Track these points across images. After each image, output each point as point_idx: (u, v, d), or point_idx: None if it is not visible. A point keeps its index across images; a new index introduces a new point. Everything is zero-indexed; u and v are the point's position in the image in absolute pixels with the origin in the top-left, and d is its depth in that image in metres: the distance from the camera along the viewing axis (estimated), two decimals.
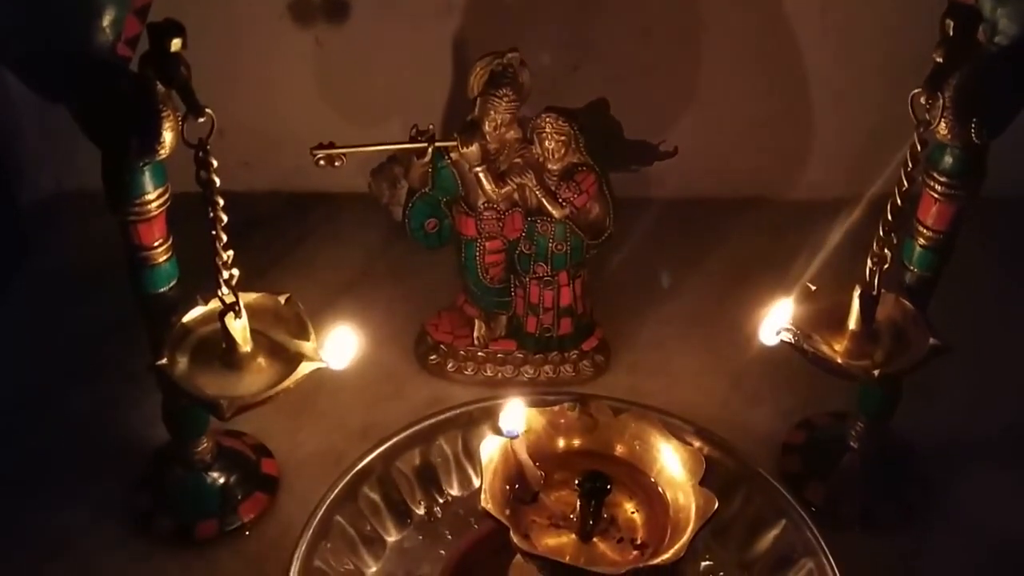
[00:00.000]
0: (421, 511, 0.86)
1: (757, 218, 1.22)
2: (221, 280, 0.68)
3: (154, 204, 0.70)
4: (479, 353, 0.99)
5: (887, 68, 1.09)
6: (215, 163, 0.64)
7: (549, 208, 0.90)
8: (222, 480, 0.85)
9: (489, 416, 0.89)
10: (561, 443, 0.79)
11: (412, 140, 0.87)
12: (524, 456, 0.75)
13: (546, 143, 0.88)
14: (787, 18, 1.13)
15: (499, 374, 0.98)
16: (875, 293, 0.72)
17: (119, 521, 0.85)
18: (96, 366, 0.99)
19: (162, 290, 0.74)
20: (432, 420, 0.90)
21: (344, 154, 0.86)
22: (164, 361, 0.71)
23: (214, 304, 0.73)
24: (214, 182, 0.64)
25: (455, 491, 0.88)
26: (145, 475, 0.87)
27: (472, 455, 0.89)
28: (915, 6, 1.02)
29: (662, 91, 1.17)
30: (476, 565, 0.83)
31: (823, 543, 0.79)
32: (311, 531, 0.79)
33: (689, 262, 1.15)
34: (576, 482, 0.73)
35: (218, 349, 0.72)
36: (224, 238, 0.67)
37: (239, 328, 0.71)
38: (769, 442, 0.93)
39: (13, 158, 1.15)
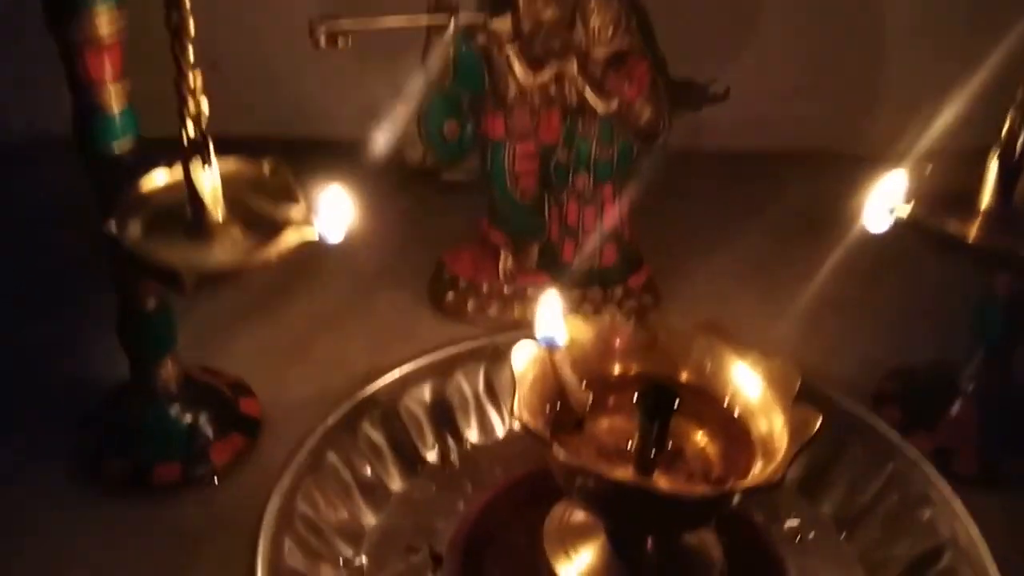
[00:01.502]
0: (433, 457, 0.70)
1: (820, 172, 1.06)
2: (185, 112, 0.53)
3: (105, 24, 0.55)
4: (505, 289, 0.83)
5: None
6: None
7: (593, 101, 0.75)
8: (189, 418, 0.70)
9: None
10: (613, 366, 0.63)
11: (431, 12, 0.73)
12: (567, 371, 0.60)
13: (591, 21, 0.73)
14: None
15: (528, 315, 0.82)
16: (1017, 158, 0.57)
17: (63, 463, 0.69)
18: (54, 303, 0.84)
19: (114, 147, 0.59)
20: (449, 351, 0.74)
21: (351, 31, 0.72)
22: (113, 227, 0.55)
23: (178, 173, 0.58)
24: None
25: (475, 437, 0.72)
26: (96, 410, 0.71)
27: (496, 396, 0.74)
28: None
29: (709, 22, 1.03)
30: (500, 524, 0.66)
31: (946, 488, 0.62)
32: (296, 464, 0.63)
33: (745, 212, 1.00)
34: (634, 400, 0.57)
35: (182, 219, 0.57)
36: (191, 54, 0.52)
37: (208, 183, 0.55)
38: (855, 394, 0.77)
39: None
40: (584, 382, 0.61)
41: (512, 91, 0.75)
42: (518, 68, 0.74)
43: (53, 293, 0.86)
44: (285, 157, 1.03)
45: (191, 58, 0.52)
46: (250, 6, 1.00)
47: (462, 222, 0.89)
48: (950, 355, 0.75)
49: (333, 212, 0.56)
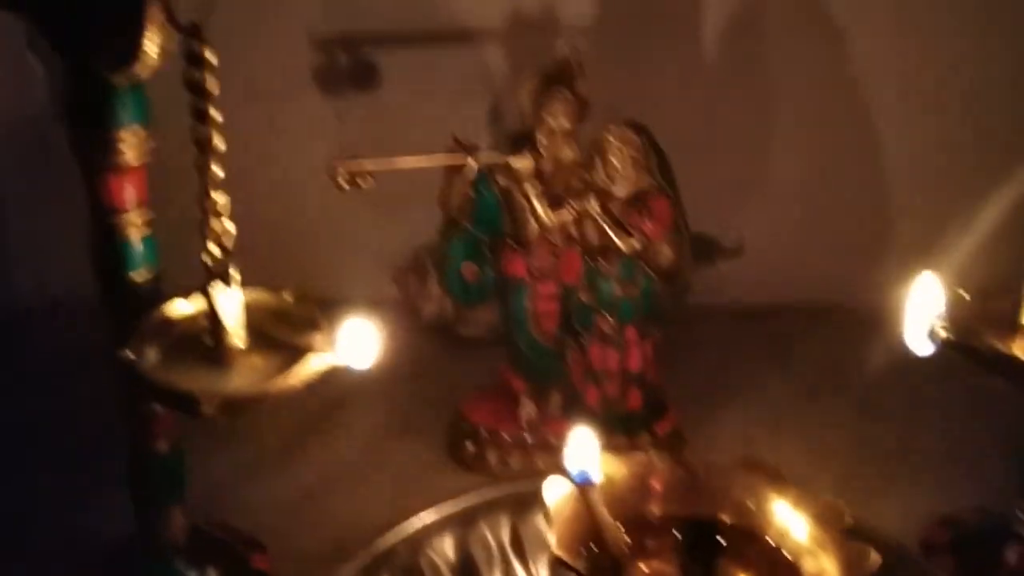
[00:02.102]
0: None
1: (839, 327, 1.04)
2: (207, 232, 0.52)
3: (131, 147, 0.54)
4: (527, 439, 0.80)
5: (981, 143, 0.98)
6: (213, 59, 0.49)
7: (615, 240, 0.74)
8: (196, 573, 0.65)
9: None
10: (650, 507, 0.60)
11: (452, 155, 0.73)
12: (602, 511, 0.56)
13: (611, 160, 0.74)
14: (860, 84, 1.01)
15: (553, 465, 0.78)
16: None
17: None
18: (55, 457, 0.81)
19: (133, 276, 0.57)
20: (473, 500, 0.70)
21: (371, 172, 0.72)
22: (129, 354, 0.53)
23: (200, 302, 0.56)
24: (208, 87, 0.49)
25: None
26: (99, 566, 0.66)
27: (523, 548, 0.69)
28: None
29: (723, 176, 1.03)
30: None
31: None
32: None
33: (768, 362, 0.98)
34: (673, 543, 0.54)
35: (202, 348, 0.55)
36: (218, 174, 0.51)
37: (230, 308, 0.53)
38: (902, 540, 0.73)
39: None
40: (621, 524, 0.57)
41: (533, 231, 0.74)
42: (539, 207, 0.73)
43: (54, 447, 0.83)
44: None
45: (217, 174, 0.51)
46: (259, 161, 1.01)
47: (480, 374, 0.87)
48: (994, 497, 0.72)
49: (358, 340, 0.54)
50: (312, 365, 0.53)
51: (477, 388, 0.85)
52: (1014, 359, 0.56)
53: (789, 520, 0.57)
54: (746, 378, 0.93)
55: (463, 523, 0.69)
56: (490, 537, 0.69)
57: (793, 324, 1.04)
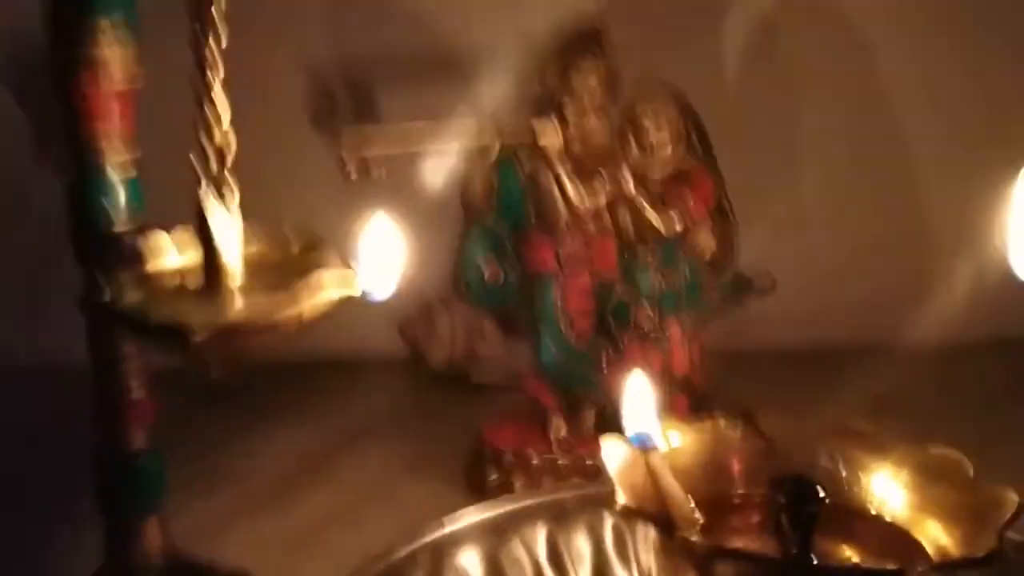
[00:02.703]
0: None
1: (883, 362, 0.96)
2: (206, 141, 0.44)
3: (119, 68, 0.47)
4: (559, 461, 0.70)
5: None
6: None
7: (654, 221, 0.66)
8: None
9: (589, 509, 0.60)
10: (727, 485, 0.51)
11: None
12: (669, 479, 0.47)
13: (646, 134, 0.67)
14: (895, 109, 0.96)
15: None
16: None
17: None
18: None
19: (114, 220, 0.49)
20: (506, 507, 0.60)
21: (385, 158, 0.65)
22: (107, 295, 0.44)
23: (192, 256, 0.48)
24: None
25: None
26: None
27: (562, 565, 0.59)
28: None
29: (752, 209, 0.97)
30: None
31: None
32: None
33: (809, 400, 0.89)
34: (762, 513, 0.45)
35: (193, 289, 0.46)
36: (221, 68, 0.44)
37: (228, 233, 0.45)
38: None
39: None
40: (696, 504, 0.48)
41: (562, 217, 0.67)
42: (571, 189, 0.66)
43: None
44: (292, 381, 0.95)
45: (221, 72, 0.43)
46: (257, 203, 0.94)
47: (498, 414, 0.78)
48: None
49: (379, 260, 0.46)
50: (325, 293, 0.44)
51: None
52: None
53: (892, 482, 0.48)
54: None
55: (493, 533, 0.58)
56: (523, 551, 0.59)
57: (833, 363, 0.96)
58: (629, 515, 0.43)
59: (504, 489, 0.70)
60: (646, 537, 0.59)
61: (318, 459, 0.78)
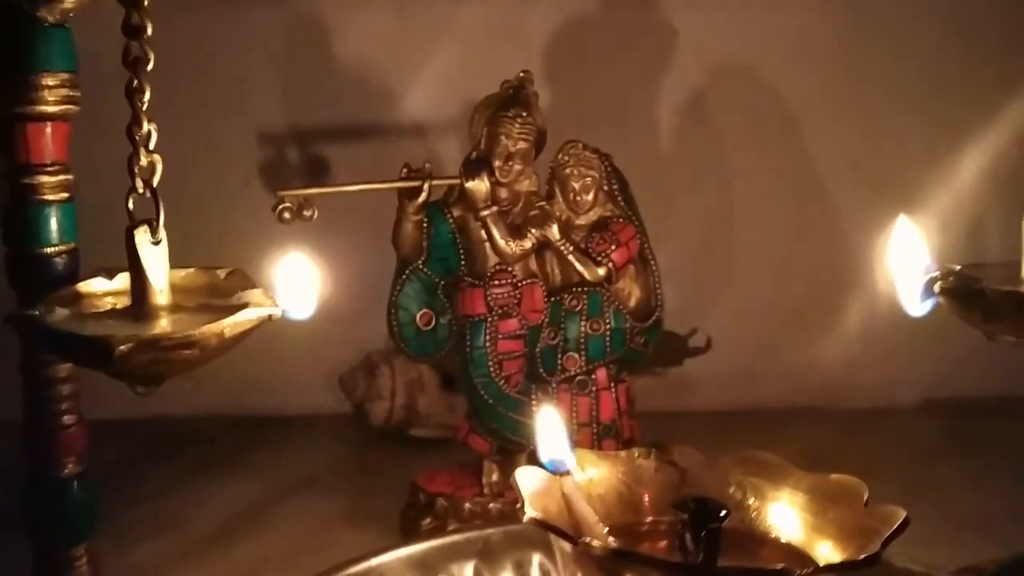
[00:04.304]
0: None
1: (817, 425, 0.98)
2: (135, 165, 0.46)
3: (52, 96, 0.50)
4: (491, 505, 0.71)
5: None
6: None
7: (580, 268, 0.69)
8: None
9: (516, 546, 0.61)
10: (637, 513, 0.52)
11: (404, 180, 0.69)
12: (581, 503, 0.49)
13: (570, 183, 0.70)
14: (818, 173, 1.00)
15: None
16: None
17: None
18: None
19: (47, 249, 0.51)
20: (434, 543, 0.61)
21: (315, 197, 0.67)
22: (36, 311, 0.46)
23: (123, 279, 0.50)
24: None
25: None
26: None
27: None
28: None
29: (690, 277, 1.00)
30: None
31: None
32: None
33: None
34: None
35: (121, 310, 0.48)
36: (147, 95, 0.46)
37: (155, 257, 0.47)
38: None
39: None
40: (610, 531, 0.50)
41: (491, 262, 0.69)
42: (497, 235, 0.69)
43: None
44: (237, 435, 0.95)
45: (146, 94, 0.46)
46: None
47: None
48: None
49: (297, 286, 0.48)
50: (245, 314, 0.46)
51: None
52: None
53: (792, 507, 0.50)
54: None
55: (420, 569, 0.59)
56: None
57: (769, 423, 0.98)
58: (537, 526, 0.44)
59: (438, 535, 0.71)
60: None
61: (258, 508, 0.79)
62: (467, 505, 0.71)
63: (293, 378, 1.00)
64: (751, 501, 0.52)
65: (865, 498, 0.48)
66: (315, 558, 0.70)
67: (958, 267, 0.55)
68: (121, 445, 0.90)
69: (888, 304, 0.99)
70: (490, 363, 0.70)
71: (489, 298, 0.69)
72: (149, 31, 0.45)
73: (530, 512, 0.45)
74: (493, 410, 0.71)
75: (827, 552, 0.48)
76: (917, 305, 0.53)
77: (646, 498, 0.53)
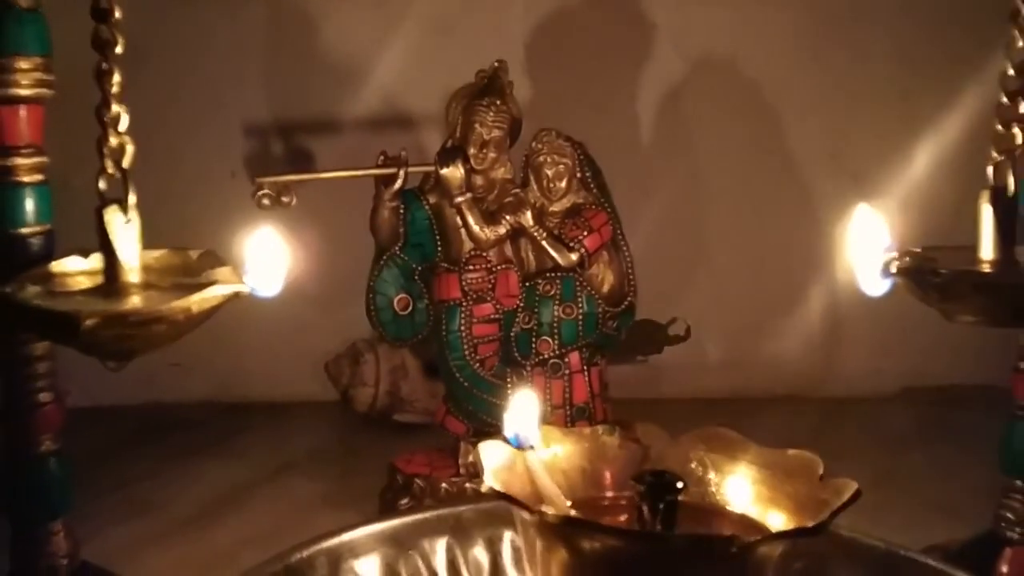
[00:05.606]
0: None
1: (790, 419, 0.99)
2: (104, 146, 0.48)
3: (26, 79, 0.51)
4: (467, 485, 0.72)
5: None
6: None
7: (553, 254, 0.70)
8: None
9: (488, 523, 0.62)
10: (600, 488, 0.53)
11: (381, 167, 0.70)
12: (544, 478, 0.50)
13: (544, 170, 0.71)
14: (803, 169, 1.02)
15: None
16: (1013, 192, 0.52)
17: None
18: None
19: (22, 230, 0.52)
20: (406, 519, 0.62)
21: (293, 183, 0.69)
22: (8, 289, 0.47)
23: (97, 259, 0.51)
24: None
25: None
26: None
27: None
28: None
29: (669, 266, 1.01)
30: None
31: None
32: None
33: None
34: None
35: (93, 288, 0.50)
36: (117, 78, 0.47)
37: (126, 236, 0.48)
38: None
39: None
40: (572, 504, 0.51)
41: (466, 248, 0.71)
42: (471, 221, 0.70)
43: None
44: (225, 421, 0.97)
45: (116, 81, 0.47)
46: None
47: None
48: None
49: (266, 262, 0.49)
50: (213, 291, 0.47)
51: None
52: (977, 273, 0.52)
53: (749, 481, 0.51)
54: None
55: (392, 544, 0.60)
56: (421, 563, 0.61)
57: (747, 411, 0.99)
58: (497, 497, 0.45)
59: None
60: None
61: (242, 490, 0.81)
62: (443, 485, 0.72)
63: (281, 366, 1.01)
64: (711, 476, 0.53)
65: (820, 473, 0.49)
66: (294, 538, 0.72)
67: (917, 249, 0.56)
68: (111, 431, 0.91)
69: (867, 293, 1.01)
70: (465, 347, 0.71)
71: (464, 283, 0.71)
72: (117, 14, 0.46)
73: (489, 481, 0.46)
74: (469, 393, 0.72)
75: (780, 523, 0.49)
76: (875, 285, 0.54)
77: (608, 474, 0.54)
